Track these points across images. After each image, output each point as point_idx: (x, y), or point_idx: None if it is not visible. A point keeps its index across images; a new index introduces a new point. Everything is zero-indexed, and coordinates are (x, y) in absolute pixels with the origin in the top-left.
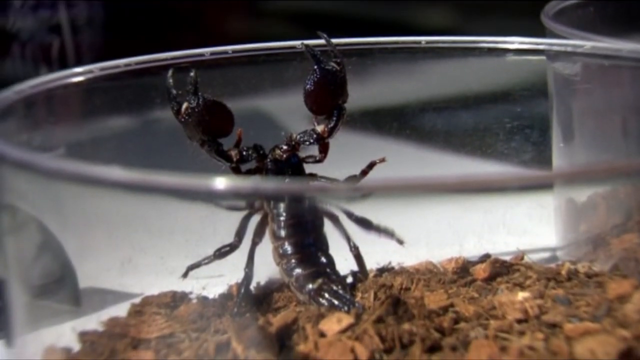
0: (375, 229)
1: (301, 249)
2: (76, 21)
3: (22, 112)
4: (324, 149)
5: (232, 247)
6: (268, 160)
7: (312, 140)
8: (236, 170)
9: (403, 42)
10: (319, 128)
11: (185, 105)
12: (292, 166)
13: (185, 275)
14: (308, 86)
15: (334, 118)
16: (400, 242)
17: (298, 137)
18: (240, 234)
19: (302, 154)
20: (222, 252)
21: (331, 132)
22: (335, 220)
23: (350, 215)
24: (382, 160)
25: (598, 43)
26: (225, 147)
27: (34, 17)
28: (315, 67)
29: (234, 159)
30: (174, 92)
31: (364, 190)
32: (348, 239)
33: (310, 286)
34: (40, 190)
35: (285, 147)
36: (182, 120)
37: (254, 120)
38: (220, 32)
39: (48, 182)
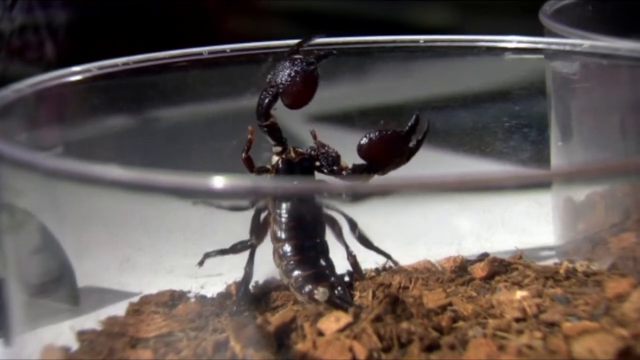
0: (374, 249)
1: (301, 251)
2: (53, 22)
3: (21, 111)
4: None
5: (251, 245)
6: (280, 159)
7: (328, 167)
8: (248, 162)
9: (401, 41)
10: (343, 163)
11: (297, 55)
12: (302, 169)
13: (201, 263)
14: (380, 134)
15: (364, 171)
16: (395, 263)
17: (319, 155)
18: (256, 232)
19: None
20: (238, 248)
21: (348, 175)
22: (334, 225)
23: (353, 230)
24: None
25: (596, 42)
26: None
27: (10, 17)
28: (405, 133)
29: (269, 121)
30: (302, 46)
31: (362, 189)
32: (346, 246)
33: (309, 287)
34: (39, 189)
35: (301, 151)
36: (282, 62)
37: (252, 119)
38: (219, 31)
39: (46, 181)
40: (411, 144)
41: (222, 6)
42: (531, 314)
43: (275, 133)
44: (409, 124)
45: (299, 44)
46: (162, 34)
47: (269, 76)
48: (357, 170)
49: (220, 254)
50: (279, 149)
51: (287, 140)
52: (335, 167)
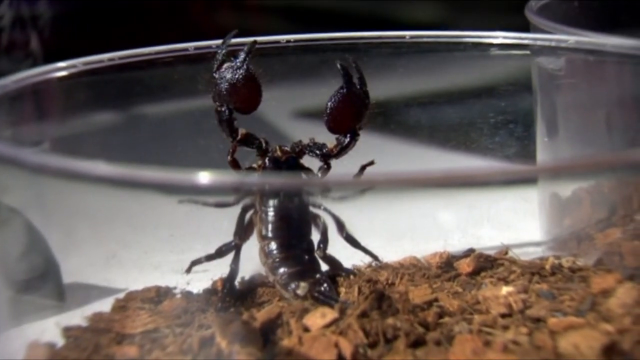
0: (362, 249)
1: (287, 249)
2: (38, 17)
3: (6, 107)
4: (327, 168)
5: (235, 246)
6: (267, 157)
7: (318, 153)
8: (234, 164)
9: (388, 37)
10: (330, 144)
11: (227, 64)
12: (289, 168)
13: (188, 270)
14: (332, 103)
15: (347, 140)
16: (380, 263)
17: (307, 146)
18: (240, 233)
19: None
20: (223, 251)
21: (340, 152)
22: (317, 223)
23: (341, 230)
24: (371, 163)
25: (582, 38)
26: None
27: None
28: (345, 86)
29: (239, 135)
30: (225, 51)
31: (345, 184)
32: (324, 242)
33: (295, 284)
34: (25, 185)
35: (287, 149)
36: (216, 76)
37: (238, 114)
38: (205, 26)
39: (32, 177)
40: (358, 90)
41: (208, 1)
42: (517, 309)
43: (252, 141)
44: (341, 73)
45: (219, 53)
46: (147, 29)
47: (212, 95)
48: (342, 144)
49: (207, 259)
50: (261, 153)
51: (269, 142)
52: (325, 150)
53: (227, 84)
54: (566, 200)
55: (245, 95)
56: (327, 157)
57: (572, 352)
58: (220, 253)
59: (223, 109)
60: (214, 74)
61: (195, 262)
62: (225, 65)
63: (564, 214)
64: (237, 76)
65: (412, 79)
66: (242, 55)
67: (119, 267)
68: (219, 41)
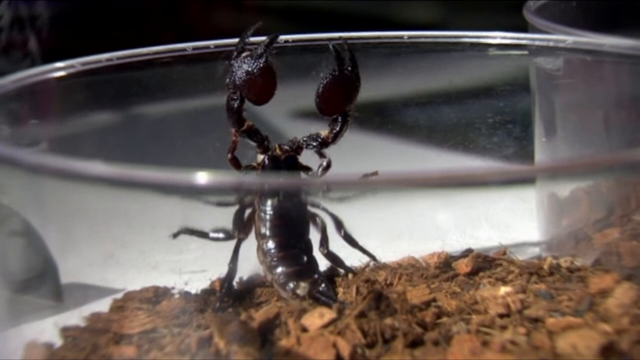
0: (360, 248)
1: (285, 248)
2: (36, 17)
3: (4, 107)
4: (326, 168)
5: (227, 237)
6: (266, 156)
7: (315, 144)
8: (234, 162)
9: (386, 37)
10: (324, 133)
11: (247, 53)
12: (288, 166)
13: (176, 235)
14: (324, 85)
15: (339, 123)
16: (379, 263)
17: (302, 140)
18: (239, 227)
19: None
20: (215, 237)
21: (335, 137)
22: (316, 222)
23: (339, 229)
24: (375, 173)
25: (580, 38)
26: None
27: None
28: (336, 68)
29: (244, 125)
30: (245, 41)
31: (344, 184)
32: (326, 240)
33: (293, 284)
34: (23, 185)
35: (286, 148)
36: (234, 63)
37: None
38: (204, 27)
39: (30, 177)
40: (350, 72)
41: (206, 1)
42: (515, 309)
43: (255, 135)
44: (333, 55)
45: (240, 42)
46: (145, 29)
47: (226, 81)
48: (335, 129)
49: (199, 235)
50: (262, 149)
51: (270, 138)
52: (320, 139)
53: (244, 71)
54: (564, 201)
55: (261, 85)
56: (323, 145)
57: (570, 352)
58: (216, 232)
59: (235, 97)
60: (232, 61)
61: (185, 231)
62: (244, 54)
63: (562, 214)
64: (255, 65)
65: (410, 79)
66: (263, 47)
67: (116, 267)
68: (218, 41)
